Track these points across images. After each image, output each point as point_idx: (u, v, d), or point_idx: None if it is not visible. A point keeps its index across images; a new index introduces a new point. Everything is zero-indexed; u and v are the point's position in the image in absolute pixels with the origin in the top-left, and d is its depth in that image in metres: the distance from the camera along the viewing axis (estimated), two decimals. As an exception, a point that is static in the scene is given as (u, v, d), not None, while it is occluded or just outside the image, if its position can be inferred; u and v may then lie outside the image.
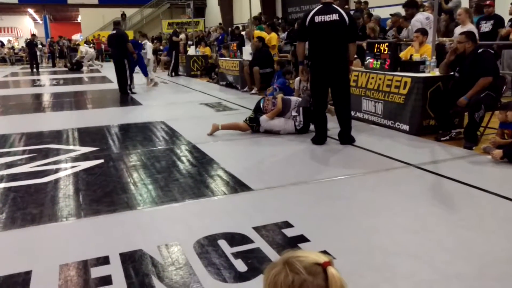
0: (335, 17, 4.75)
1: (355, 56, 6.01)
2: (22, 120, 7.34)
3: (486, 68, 4.68)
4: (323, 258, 0.94)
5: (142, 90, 10.89)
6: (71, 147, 5.22)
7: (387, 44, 5.95)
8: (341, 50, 4.86)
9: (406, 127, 5.42)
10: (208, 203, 3.34)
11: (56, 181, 3.93)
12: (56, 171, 4.23)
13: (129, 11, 31.50)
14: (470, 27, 6.82)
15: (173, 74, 14.42)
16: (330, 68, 4.87)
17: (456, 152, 4.55)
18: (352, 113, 5.57)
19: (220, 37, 15.44)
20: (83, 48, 19.87)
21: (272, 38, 10.50)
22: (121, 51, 9.79)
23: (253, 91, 9.59)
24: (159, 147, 5.11)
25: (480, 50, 4.78)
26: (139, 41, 12.50)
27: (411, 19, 7.64)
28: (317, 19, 4.78)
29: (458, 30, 7.02)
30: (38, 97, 10.55)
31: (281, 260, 0.95)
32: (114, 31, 10.01)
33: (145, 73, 11.86)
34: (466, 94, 4.70)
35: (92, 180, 3.91)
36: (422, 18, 7.13)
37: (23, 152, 4.99)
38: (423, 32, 6.19)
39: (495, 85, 4.75)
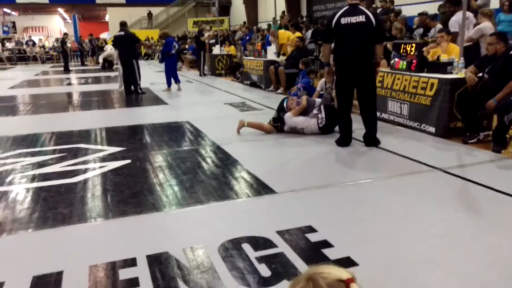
0: (361, 18, 4.71)
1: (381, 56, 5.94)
2: (52, 119, 7.55)
3: (517, 70, 4.57)
4: (346, 275, 0.95)
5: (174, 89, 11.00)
6: (99, 147, 5.36)
7: (413, 44, 5.86)
8: (368, 52, 4.82)
9: (432, 129, 5.34)
10: (232, 206, 3.38)
11: (85, 181, 4.04)
12: (85, 171, 4.35)
13: (155, 10, 31.94)
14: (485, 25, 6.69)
15: (202, 74, 14.50)
16: (356, 70, 4.84)
17: (484, 155, 4.46)
18: (378, 113, 5.52)
19: (247, 37, 15.46)
20: (109, 46, 20.25)
21: (297, 35, 10.47)
22: (129, 51, 9.92)
23: (279, 91, 9.59)
24: (184, 148, 5.19)
25: (511, 52, 4.66)
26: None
27: (451, 16, 7.45)
28: (344, 20, 4.75)
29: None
30: (67, 95, 10.86)
31: (305, 276, 0.97)
32: (122, 32, 10.02)
33: (176, 78, 10.81)
34: (496, 96, 4.60)
35: (120, 181, 4.00)
36: (461, 19, 6.92)
37: (54, 151, 5.15)
38: (448, 32, 6.07)
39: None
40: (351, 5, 4.82)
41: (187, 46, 19.33)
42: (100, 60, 19.86)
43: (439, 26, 8.25)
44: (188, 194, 3.61)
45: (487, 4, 9.50)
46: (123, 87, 10.32)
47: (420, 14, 9.05)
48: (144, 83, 11.27)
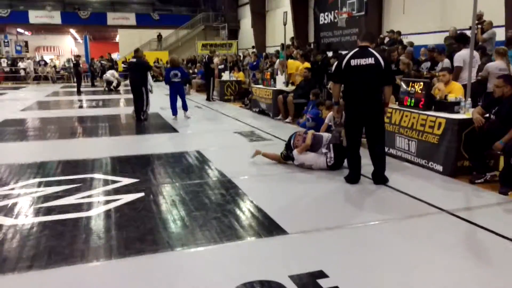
0: (371, 60, 4.87)
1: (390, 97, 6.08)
2: (64, 146, 7.68)
3: (524, 113, 4.69)
4: None
5: (178, 115, 11.14)
6: (113, 177, 5.46)
7: (421, 83, 6.00)
8: (377, 93, 4.97)
9: (439, 168, 5.43)
10: (245, 246, 3.47)
11: (102, 214, 4.15)
12: (101, 203, 4.46)
13: (165, 32, 32.55)
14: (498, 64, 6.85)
15: (211, 99, 14.69)
16: (366, 110, 4.97)
17: (491, 197, 4.54)
18: (386, 149, 5.62)
19: (255, 63, 15.72)
20: (109, 72, 20.64)
21: (305, 66, 10.67)
22: (139, 78, 10.04)
23: (287, 120, 9.75)
24: (196, 181, 5.29)
25: (519, 95, 4.79)
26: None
27: (457, 51, 7.62)
28: (353, 62, 4.91)
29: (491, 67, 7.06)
30: (78, 120, 11.04)
31: None
32: (134, 59, 10.24)
33: (184, 106, 10.76)
34: (503, 138, 4.70)
35: (135, 215, 4.11)
36: (466, 55, 7.05)
37: (68, 181, 5.26)
38: (450, 70, 6.23)
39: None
40: (361, 47, 4.98)
41: (196, 70, 19.64)
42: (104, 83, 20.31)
43: (446, 61, 8.41)
44: (202, 232, 3.71)
45: (493, 38, 9.70)
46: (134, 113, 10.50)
47: (428, 50, 9.23)
48: (154, 107, 11.49)
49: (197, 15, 33.69)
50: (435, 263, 3.11)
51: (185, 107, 10.77)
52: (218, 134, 8.60)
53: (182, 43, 32.37)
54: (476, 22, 9.48)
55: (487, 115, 5.13)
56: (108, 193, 4.84)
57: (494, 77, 6.85)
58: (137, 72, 10.07)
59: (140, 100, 10.07)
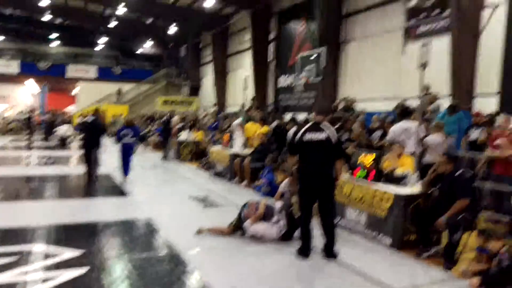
0: (322, 136, 5.06)
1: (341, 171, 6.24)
2: (2, 210, 7.20)
3: (463, 190, 4.92)
4: None
5: (132, 175, 10.87)
6: (54, 248, 5.15)
7: (372, 154, 6.23)
8: (328, 166, 5.12)
9: (388, 240, 5.53)
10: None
11: (37, 296, 3.88)
12: (36, 283, 4.18)
13: (126, 86, 32.55)
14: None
15: (167, 158, 14.54)
16: (317, 183, 5.08)
17: (436, 274, 4.64)
18: (337, 219, 5.69)
19: (215, 124, 15.87)
20: (64, 126, 20.23)
21: (263, 131, 10.87)
22: (93, 140, 9.77)
23: (243, 183, 9.76)
24: (146, 254, 5.10)
25: (458, 173, 5.05)
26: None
27: None
28: (306, 136, 5.09)
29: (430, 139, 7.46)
30: (24, 180, 10.45)
31: None
32: (93, 118, 10.02)
33: (126, 169, 10.17)
34: (445, 214, 4.88)
35: (73, 297, 3.87)
36: (398, 129, 7.38)
37: (3, 254, 4.89)
38: (401, 145, 6.54)
39: (472, 206, 4.95)
40: (315, 123, 5.19)
41: (155, 127, 19.58)
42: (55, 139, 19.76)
43: (391, 129, 8.79)
44: (144, 316, 3.53)
45: (438, 110, 10.31)
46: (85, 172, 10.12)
47: (379, 120, 9.69)
48: (107, 167, 11.18)
49: (160, 71, 34.09)
50: None
51: (126, 171, 10.15)
52: (171, 199, 8.42)
53: (143, 97, 32.40)
54: (423, 93, 10.20)
55: (433, 189, 5.35)
56: (47, 268, 4.55)
57: (433, 150, 7.25)
58: (93, 133, 9.84)
59: (91, 162, 9.77)
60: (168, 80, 33.04)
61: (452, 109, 9.45)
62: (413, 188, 5.64)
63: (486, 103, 10.54)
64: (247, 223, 5.69)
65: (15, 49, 34.85)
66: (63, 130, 19.63)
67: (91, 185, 9.64)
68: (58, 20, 33.24)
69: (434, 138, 7.39)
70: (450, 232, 4.79)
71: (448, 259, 4.79)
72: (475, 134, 8.09)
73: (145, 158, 14.87)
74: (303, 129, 5.18)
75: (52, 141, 20.45)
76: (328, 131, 5.13)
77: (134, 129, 10.51)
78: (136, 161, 13.46)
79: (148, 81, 33.15)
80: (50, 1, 26.02)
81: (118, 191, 9.20)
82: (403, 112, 7.87)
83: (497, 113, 9.02)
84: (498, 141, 6.40)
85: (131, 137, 10.11)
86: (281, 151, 10.44)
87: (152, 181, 10.59)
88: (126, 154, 10.14)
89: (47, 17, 30.78)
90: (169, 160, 14.37)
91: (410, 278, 4.57)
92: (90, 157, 9.72)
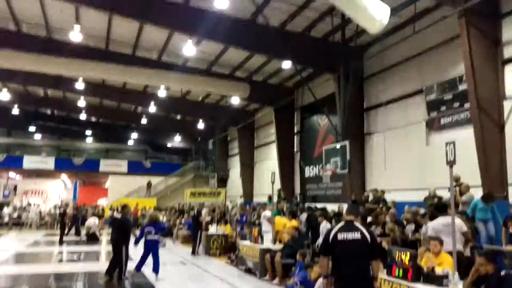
0: (357, 235, 4.98)
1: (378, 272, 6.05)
2: None
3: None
4: None
5: (161, 272, 10.73)
6: None
7: (407, 253, 6.06)
8: (365, 267, 4.98)
9: None
10: None
11: None
12: None
13: (155, 179, 33.33)
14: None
15: (196, 253, 14.38)
16: (354, 285, 4.92)
17: None
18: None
19: (243, 218, 15.85)
20: (92, 219, 20.38)
21: (293, 225, 10.82)
22: (120, 236, 9.92)
23: (274, 281, 9.49)
24: None
25: (503, 273, 4.84)
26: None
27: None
28: (340, 236, 5.02)
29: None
30: (52, 279, 10.29)
31: None
32: (119, 216, 10.33)
33: (156, 267, 10.00)
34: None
35: None
36: (437, 226, 7.09)
37: None
38: (440, 241, 6.35)
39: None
40: (347, 222, 5.16)
41: (183, 220, 19.65)
42: (83, 233, 19.90)
43: (429, 225, 8.58)
44: None
45: (469, 203, 10.01)
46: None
47: (412, 212, 9.55)
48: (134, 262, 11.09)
49: (187, 164, 34.99)
50: None
51: (156, 269, 9.97)
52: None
53: (171, 190, 32.95)
54: (454, 184, 10.03)
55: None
56: None
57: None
58: (119, 230, 10.02)
59: (119, 259, 9.78)
60: (196, 173, 33.74)
61: (486, 197, 9.27)
62: (456, 288, 5.38)
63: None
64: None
65: (52, 145, 36.77)
66: (90, 223, 19.83)
67: (122, 282, 9.54)
68: (93, 118, 35.33)
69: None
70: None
71: None
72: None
73: (174, 253, 14.75)
74: (336, 228, 5.14)
75: (82, 236, 20.64)
76: (363, 230, 5.08)
77: (158, 225, 10.54)
78: (166, 257, 13.41)
79: (177, 174, 33.94)
80: (86, 102, 27.96)
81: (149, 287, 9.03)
82: (439, 208, 7.70)
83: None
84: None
85: (155, 233, 10.13)
86: (315, 243, 10.28)
87: (182, 279, 10.38)
88: (148, 251, 10.08)
89: (82, 116, 32.77)
90: (199, 255, 14.18)
91: None
92: (117, 254, 9.80)
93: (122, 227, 10.04)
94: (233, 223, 16.52)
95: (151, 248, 10.07)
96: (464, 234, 6.99)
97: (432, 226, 7.21)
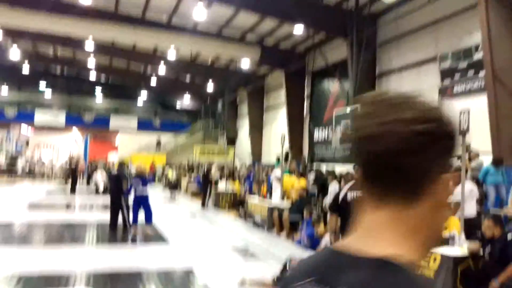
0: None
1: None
2: (45, 255, 7.39)
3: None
4: None
5: (171, 222, 11.09)
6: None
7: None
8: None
9: (437, 302, 5.38)
10: None
11: None
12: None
13: (164, 137, 33.65)
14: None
15: (205, 206, 14.79)
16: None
17: None
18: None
19: (250, 176, 16.10)
20: (98, 173, 20.74)
21: (301, 183, 11.00)
22: (116, 189, 10.29)
23: (282, 235, 9.78)
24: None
25: (510, 237, 4.95)
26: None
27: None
28: (350, 195, 5.11)
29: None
30: (64, 226, 10.69)
31: None
32: (116, 172, 10.79)
33: (148, 218, 9.99)
34: (498, 278, 4.75)
35: None
36: (466, 189, 7.19)
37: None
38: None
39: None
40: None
41: (193, 176, 20.04)
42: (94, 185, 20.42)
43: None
44: None
45: (481, 167, 10.15)
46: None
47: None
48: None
49: (197, 123, 35.13)
50: None
51: (147, 218, 9.89)
52: (212, 249, 8.49)
53: (180, 147, 33.30)
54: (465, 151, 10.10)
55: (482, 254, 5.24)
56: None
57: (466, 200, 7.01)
58: (115, 184, 10.33)
59: (118, 210, 10.07)
60: (205, 132, 33.95)
61: (497, 161, 9.36)
62: (461, 249, 5.53)
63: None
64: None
65: (62, 102, 36.96)
66: (97, 177, 20.30)
67: (127, 231, 9.85)
68: (103, 78, 35.28)
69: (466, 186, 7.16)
70: (504, 295, 4.65)
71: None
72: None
73: (184, 206, 15.17)
74: (346, 187, 5.24)
75: (90, 188, 21.22)
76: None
77: (144, 179, 10.40)
78: (176, 209, 13.80)
79: (186, 133, 34.17)
80: (95, 62, 27.84)
81: (159, 238, 9.37)
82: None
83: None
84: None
85: (142, 186, 10.02)
86: (323, 201, 10.48)
87: (192, 229, 10.74)
88: (141, 204, 10.02)
89: (92, 75, 32.71)
90: (208, 209, 14.58)
91: None
92: (117, 206, 10.10)
93: (117, 181, 10.31)
94: (241, 181, 16.81)
95: (140, 202, 10.00)
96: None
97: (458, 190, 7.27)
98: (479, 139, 10.83)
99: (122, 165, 11.15)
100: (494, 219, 5.16)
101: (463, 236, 5.67)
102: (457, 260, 5.31)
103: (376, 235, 0.74)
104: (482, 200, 8.69)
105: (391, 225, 0.73)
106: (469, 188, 7.09)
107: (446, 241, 5.66)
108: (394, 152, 0.70)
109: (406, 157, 0.69)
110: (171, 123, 36.29)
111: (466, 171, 9.08)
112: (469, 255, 5.22)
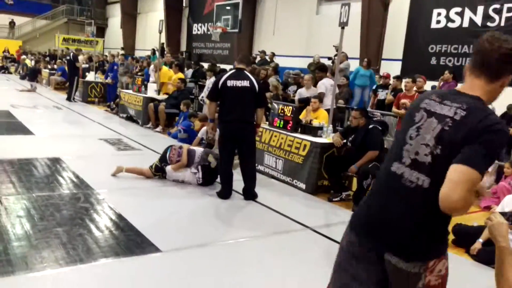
0: (246, 83, 5.08)
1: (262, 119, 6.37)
2: None
3: (374, 143, 5.36)
4: None
5: (34, 115, 10.10)
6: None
7: (291, 107, 6.46)
8: (250, 114, 5.20)
9: (302, 186, 5.88)
10: (118, 265, 3.29)
11: None
12: None
13: (20, 20, 29.23)
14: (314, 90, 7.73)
15: (72, 100, 13.48)
16: (238, 129, 5.14)
17: (346, 215, 5.05)
18: (256, 166, 5.87)
19: (113, 67, 14.54)
20: None
21: (178, 77, 10.60)
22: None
23: (157, 129, 9.53)
24: (58, 192, 4.84)
25: (370, 126, 5.46)
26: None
27: (320, 80, 8.29)
28: (229, 83, 5.06)
29: (302, 92, 7.90)
30: None
31: None
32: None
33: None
34: (356, 163, 5.31)
35: (-18, 233, 3.58)
36: (327, 84, 7.68)
37: None
38: (320, 99, 6.86)
39: (381, 157, 5.43)
40: (238, 69, 5.18)
41: (55, 66, 18.02)
42: None
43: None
44: (66, 251, 3.40)
45: (348, 69, 10.93)
46: None
47: (295, 75, 9.98)
48: (2, 104, 10.17)
49: (59, 6, 30.99)
50: (303, 280, 3.35)
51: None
52: (81, 140, 7.94)
53: (40, 34, 29.40)
54: (335, 54, 10.68)
55: (345, 140, 5.75)
56: None
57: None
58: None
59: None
60: (69, 18, 30.27)
61: (367, 63, 10.16)
62: (328, 138, 6.00)
63: (391, 67, 11.41)
64: (169, 169, 5.63)
65: None
66: None
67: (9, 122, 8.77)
68: None
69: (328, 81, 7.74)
70: (360, 178, 5.23)
71: (357, 203, 5.25)
72: (383, 94, 8.75)
73: (46, 98, 13.72)
74: (226, 75, 5.16)
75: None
76: (252, 79, 5.18)
77: None
78: (39, 101, 12.52)
79: (46, 16, 30.06)
80: None
81: (20, 129, 8.43)
82: (322, 68, 8.19)
83: (399, 77, 9.83)
84: (403, 101, 7.02)
85: None
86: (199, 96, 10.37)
87: (58, 122, 9.88)
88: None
89: None
90: (75, 102, 13.39)
91: (323, 219, 4.96)
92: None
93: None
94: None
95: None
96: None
97: (324, 83, 7.69)
98: (348, 46, 11.51)
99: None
100: (361, 111, 5.60)
101: (330, 127, 6.12)
102: (323, 148, 5.77)
103: (475, 89, 1.67)
104: (348, 99, 9.45)
105: (482, 87, 1.67)
106: (331, 83, 7.58)
107: (315, 131, 6.07)
108: (502, 58, 1.62)
109: (505, 62, 1.63)
110: (27, 3, 31.38)
111: (333, 73, 9.70)
112: (334, 142, 5.69)
